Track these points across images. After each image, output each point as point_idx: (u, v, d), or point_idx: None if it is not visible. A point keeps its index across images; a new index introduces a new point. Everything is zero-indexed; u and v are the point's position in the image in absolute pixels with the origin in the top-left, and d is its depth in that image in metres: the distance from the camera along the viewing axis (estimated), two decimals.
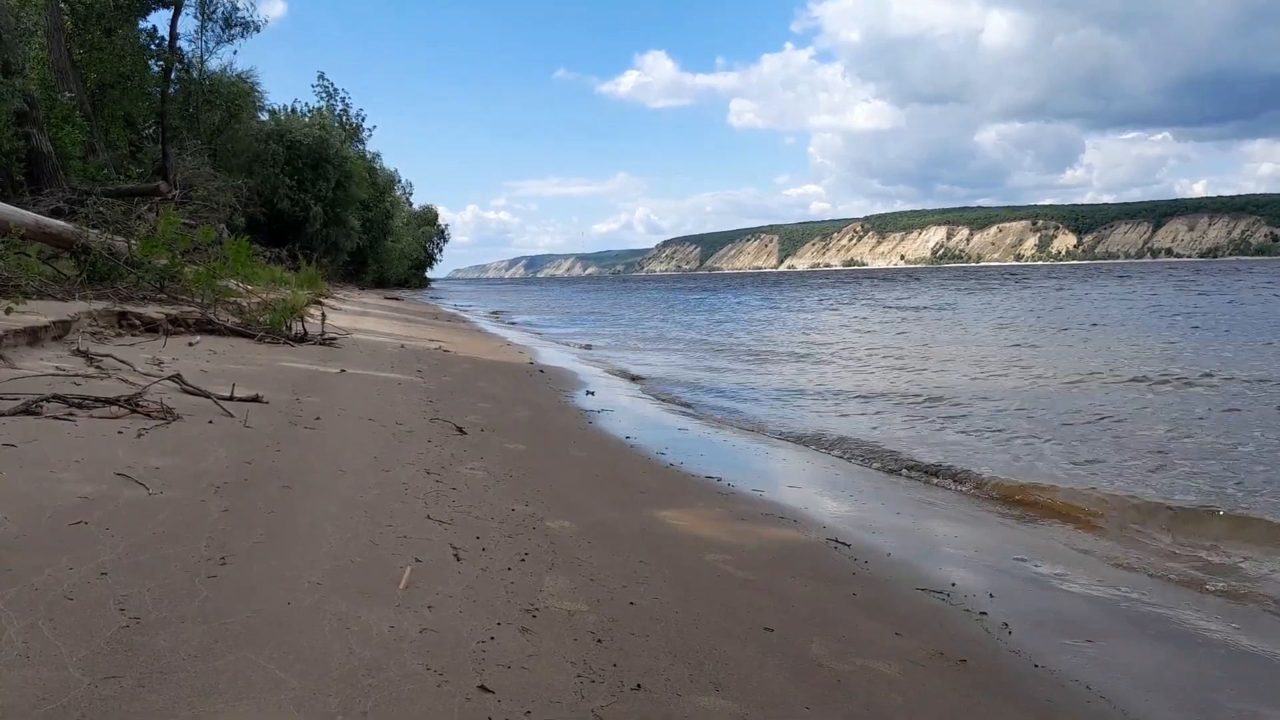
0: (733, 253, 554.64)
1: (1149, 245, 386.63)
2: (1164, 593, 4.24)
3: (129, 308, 9.16)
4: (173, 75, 29.14)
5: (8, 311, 7.04)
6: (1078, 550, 4.96)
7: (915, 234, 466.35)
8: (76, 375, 5.97)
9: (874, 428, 8.84)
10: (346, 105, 52.39)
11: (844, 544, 4.61)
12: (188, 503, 3.62)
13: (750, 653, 2.95)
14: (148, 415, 5.03)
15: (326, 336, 11.35)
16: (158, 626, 2.47)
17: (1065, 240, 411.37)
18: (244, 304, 12.08)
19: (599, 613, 3.08)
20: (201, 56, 31.06)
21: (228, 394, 5.87)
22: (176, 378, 6.01)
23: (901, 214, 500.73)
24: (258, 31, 32.09)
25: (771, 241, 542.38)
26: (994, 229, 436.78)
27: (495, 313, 37.84)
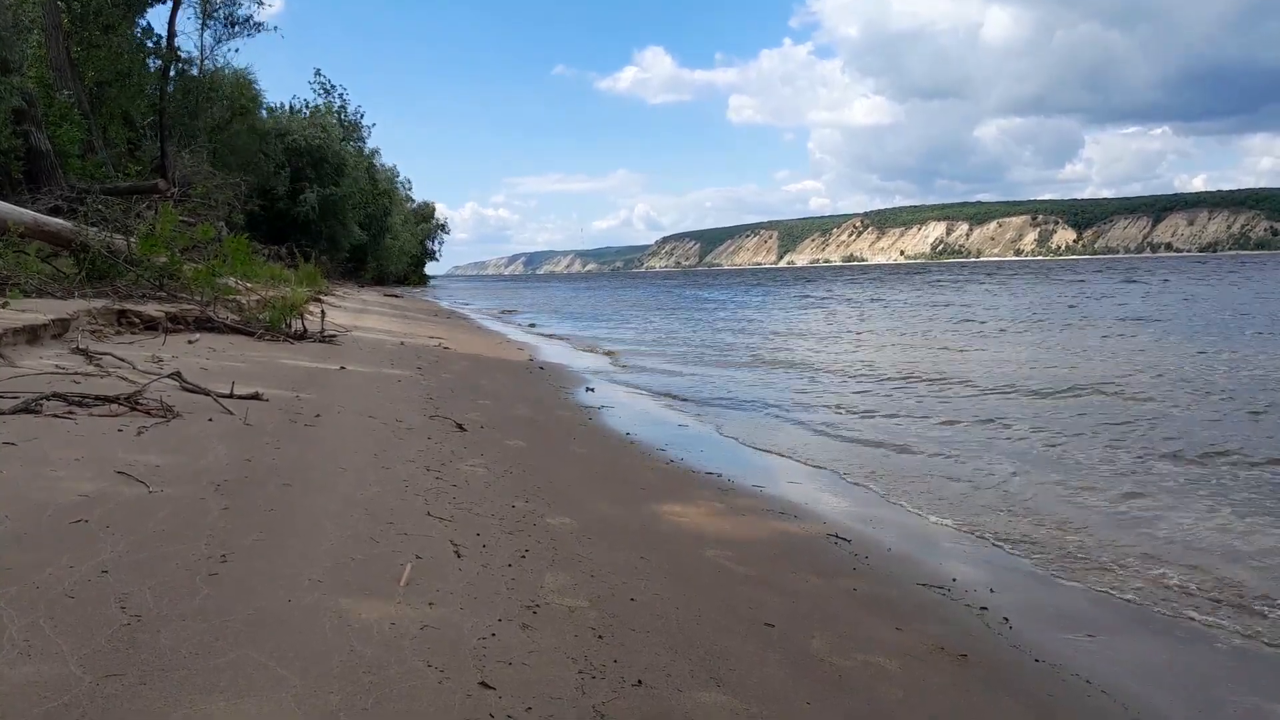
0: (732, 249, 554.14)
1: (1148, 240, 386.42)
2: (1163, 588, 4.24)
3: (128, 306, 9.16)
4: (171, 73, 29.05)
5: (4, 305, 7.03)
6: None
7: (915, 229, 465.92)
8: (76, 373, 5.97)
9: (875, 428, 8.83)
10: (344, 102, 52.29)
11: (844, 539, 4.62)
12: (188, 500, 3.61)
13: (751, 648, 2.96)
14: (147, 413, 5.03)
15: (326, 334, 11.35)
16: (159, 624, 2.47)
17: (1065, 235, 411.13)
18: (243, 301, 12.08)
19: (600, 609, 3.08)
20: (202, 54, 30.95)
21: (227, 392, 5.86)
22: (176, 375, 6.01)
23: (901, 209, 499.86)
24: (260, 30, 31.92)
25: (771, 237, 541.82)
26: (994, 224, 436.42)
27: (497, 311, 37.74)
